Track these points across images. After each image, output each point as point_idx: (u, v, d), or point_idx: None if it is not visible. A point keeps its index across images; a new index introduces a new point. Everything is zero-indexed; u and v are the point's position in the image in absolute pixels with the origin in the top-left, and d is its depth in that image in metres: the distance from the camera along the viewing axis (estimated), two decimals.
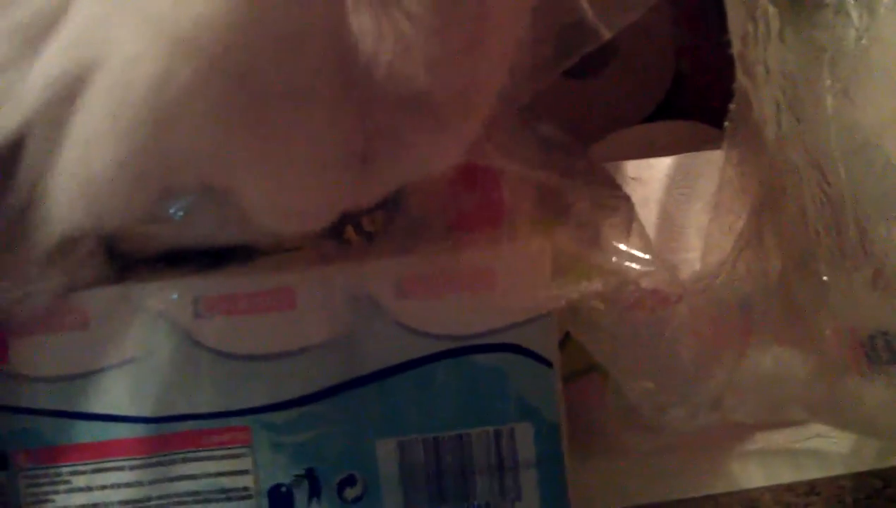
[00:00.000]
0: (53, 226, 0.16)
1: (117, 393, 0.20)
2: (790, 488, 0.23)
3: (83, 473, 0.20)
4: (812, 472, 0.23)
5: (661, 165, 0.25)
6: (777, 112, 0.19)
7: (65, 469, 0.20)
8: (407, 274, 0.20)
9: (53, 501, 0.20)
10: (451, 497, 0.21)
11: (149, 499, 0.20)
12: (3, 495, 0.20)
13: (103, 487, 0.20)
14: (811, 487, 0.23)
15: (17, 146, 0.15)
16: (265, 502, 0.20)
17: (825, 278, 0.20)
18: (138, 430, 0.20)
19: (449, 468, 0.21)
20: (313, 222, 0.19)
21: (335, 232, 0.20)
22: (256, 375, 0.20)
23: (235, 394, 0.20)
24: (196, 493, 0.20)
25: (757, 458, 0.23)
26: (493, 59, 0.17)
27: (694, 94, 0.32)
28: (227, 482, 0.20)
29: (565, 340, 0.22)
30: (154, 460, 0.20)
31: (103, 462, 0.20)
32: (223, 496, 0.20)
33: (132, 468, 0.20)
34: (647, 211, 0.24)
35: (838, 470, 0.23)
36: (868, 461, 0.23)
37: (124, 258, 0.20)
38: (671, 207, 0.25)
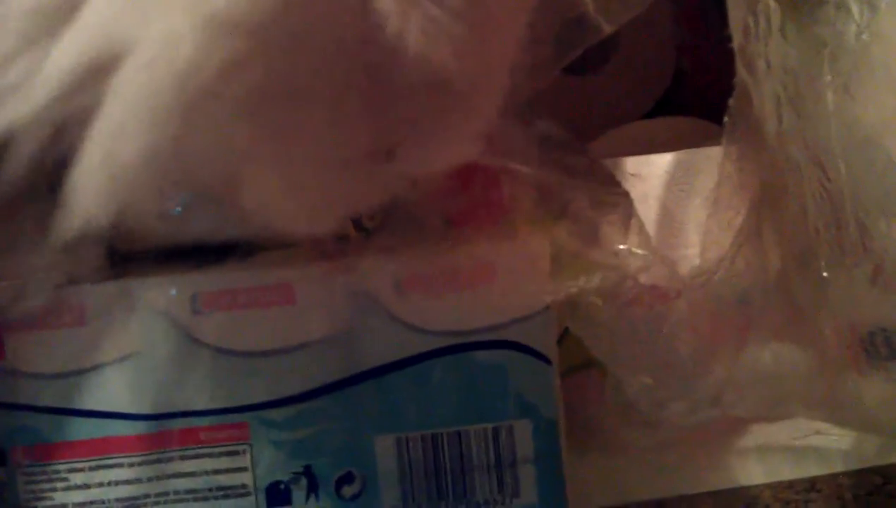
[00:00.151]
0: (75, 218, 0.15)
1: (115, 389, 0.20)
2: (790, 485, 0.23)
3: (81, 470, 0.20)
4: (812, 469, 0.23)
5: (661, 162, 0.25)
6: (777, 107, 0.19)
7: (63, 467, 0.20)
8: (406, 271, 0.20)
9: (52, 498, 0.20)
10: (449, 494, 0.21)
11: (147, 496, 0.20)
12: (2, 492, 0.20)
13: (101, 484, 0.20)
14: (811, 484, 0.23)
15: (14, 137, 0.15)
16: (263, 499, 0.20)
17: (825, 274, 0.20)
18: (136, 427, 0.20)
19: (447, 464, 0.21)
20: (327, 222, 0.18)
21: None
22: (255, 372, 0.20)
23: (234, 391, 0.20)
24: (194, 490, 0.20)
25: (756, 455, 0.23)
26: (510, 42, 0.17)
27: (694, 91, 0.31)
28: (225, 479, 0.20)
29: (563, 335, 0.22)
30: (152, 457, 0.20)
31: (101, 459, 0.20)
32: (221, 493, 0.20)
33: (130, 465, 0.20)
34: (647, 207, 0.24)
35: (838, 467, 0.23)
36: (868, 458, 0.23)
37: (122, 254, 0.20)
38: (670, 204, 0.24)
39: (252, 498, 0.20)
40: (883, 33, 0.19)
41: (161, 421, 0.20)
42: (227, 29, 0.14)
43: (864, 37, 0.20)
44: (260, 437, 0.20)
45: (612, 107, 0.31)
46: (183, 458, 0.20)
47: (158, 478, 0.20)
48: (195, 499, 0.20)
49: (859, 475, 0.23)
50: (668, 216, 0.24)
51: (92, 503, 0.20)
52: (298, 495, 0.20)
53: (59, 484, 0.20)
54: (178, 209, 0.19)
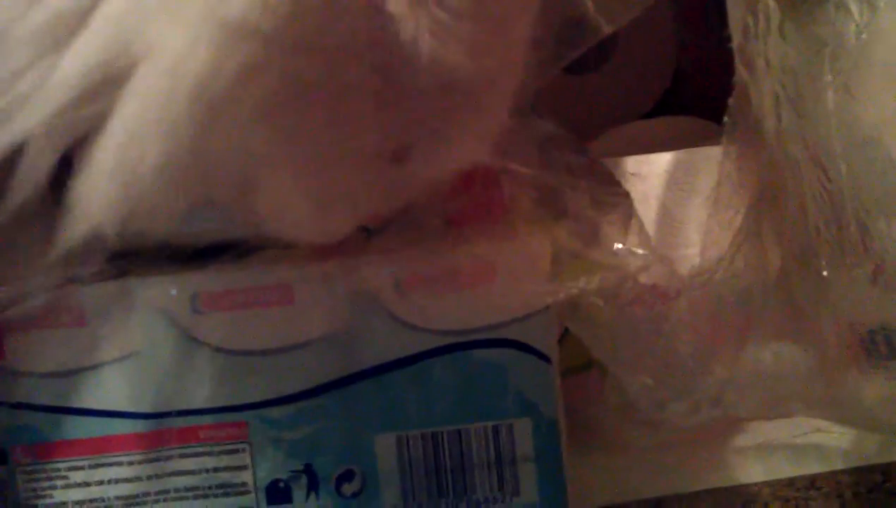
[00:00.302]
0: (81, 225, 0.15)
1: (115, 388, 0.20)
2: (790, 483, 0.23)
3: (81, 468, 0.20)
4: (812, 467, 0.23)
5: (661, 161, 0.25)
6: (777, 107, 0.19)
7: (63, 465, 0.20)
8: (406, 270, 0.20)
9: (52, 497, 0.20)
10: (449, 492, 0.21)
11: (147, 495, 0.20)
12: (2, 491, 0.20)
13: (101, 482, 0.20)
14: (811, 482, 0.23)
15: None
16: (263, 497, 0.20)
17: (825, 274, 0.20)
18: (136, 426, 0.20)
19: (448, 463, 0.21)
20: (341, 227, 0.18)
21: None
22: (255, 370, 0.20)
23: (233, 390, 0.20)
24: (194, 488, 0.20)
25: (756, 453, 0.23)
26: (519, 41, 0.17)
27: (693, 90, 0.32)
28: (225, 477, 0.20)
29: (563, 336, 0.22)
30: (152, 455, 0.20)
31: (101, 457, 0.20)
32: (221, 491, 0.20)
33: (130, 463, 0.20)
34: (647, 207, 0.24)
35: (838, 465, 0.23)
36: (868, 455, 0.23)
37: (122, 253, 0.20)
38: (670, 203, 0.25)
39: (252, 496, 0.20)
40: (882, 32, 0.19)
41: (161, 420, 0.20)
42: (243, 34, 0.14)
43: (864, 36, 0.20)
44: (260, 436, 0.20)
45: (612, 106, 0.31)
46: (183, 456, 0.20)
47: (158, 476, 0.20)
48: (195, 497, 0.20)
49: (859, 473, 0.23)
50: (668, 215, 0.24)
51: (92, 501, 0.20)
52: (299, 493, 0.20)
53: (59, 483, 0.20)
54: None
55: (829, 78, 0.20)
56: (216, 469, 0.20)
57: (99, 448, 0.20)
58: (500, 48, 0.17)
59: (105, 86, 0.15)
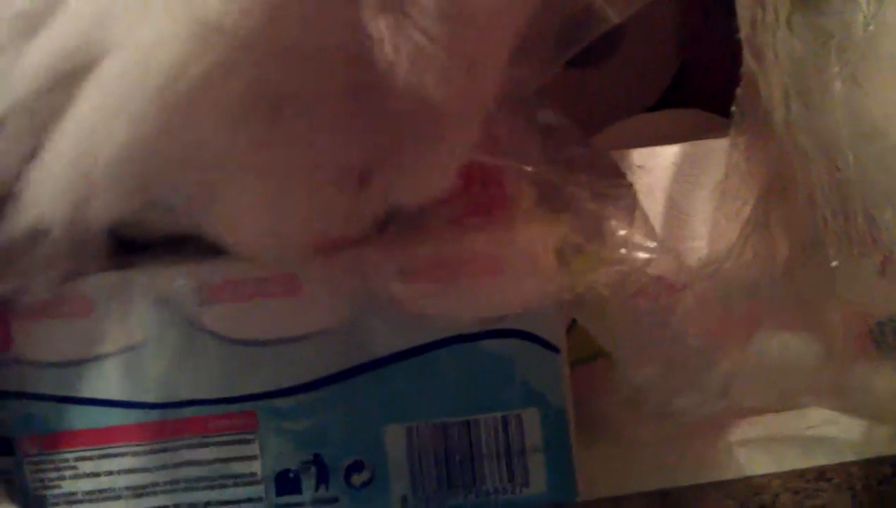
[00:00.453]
0: (28, 214, 0.15)
1: (122, 378, 0.20)
2: (799, 474, 0.23)
3: (89, 459, 0.20)
4: (821, 459, 0.23)
5: (667, 154, 0.25)
6: (785, 98, 0.19)
7: (70, 455, 0.20)
8: (412, 262, 0.20)
9: (60, 487, 0.20)
10: (458, 483, 0.21)
11: (155, 485, 0.20)
12: (10, 481, 0.20)
13: (110, 472, 0.20)
14: (820, 473, 0.23)
15: None
16: (272, 487, 0.20)
17: (833, 265, 0.20)
18: (144, 416, 0.20)
19: (456, 453, 0.21)
20: (297, 247, 0.18)
21: None
22: (262, 361, 0.20)
23: (241, 380, 0.20)
24: (203, 479, 0.20)
25: (765, 445, 0.23)
26: (492, 77, 0.17)
27: (698, 83, 0.32)
28: (234, 467, 0.20)
29: (571, 327, 0.22)
30: (160, 446, 0.20)
31: (109, 448, 0.20)
32: (230, 481, 0.20)
33: (138, 454, 0.20)
34: (652, 199, 0.24)
35: (848, 457, 0.23)
36: (878, 447, 0.23)
37: (128, 244, 0.20)
38: (677, 196, 0.25)
39: (261, 487, 0.20)
40: (890, 24, 0.19)
41: (168, 410, 0.20)
42: (215, 34, 0.14)
43: (871, 28, 0.20)
44: (268, 426, 0.20)
45: (617, 99, 0.31)
46: (191, 447, 0.20)
47: (167, 467, 0.20)
48: (204, 488, 0.20)
49: (869, 464, 0.23)
50: (675, 208, 0.24)
51: (101, 491, 0.20)
52: (308, 483, 0.20)
53: (67, 473, 0.20)
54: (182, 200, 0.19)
55: (836, 69, 0.20)
56: (225, 460, 0.20)
57: (107, 438, 0.20)
58: (472, 82, 0.17)
59: (73, 76, 0.15)
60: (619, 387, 0.22)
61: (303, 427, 0.20)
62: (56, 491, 0.20)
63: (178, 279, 0.20)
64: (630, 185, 0.21)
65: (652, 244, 0.20)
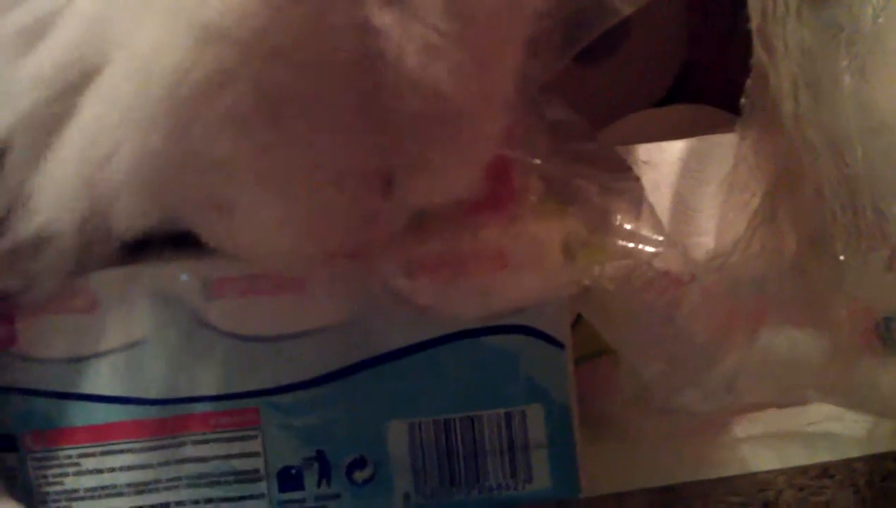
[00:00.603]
0: (36, 219, 0.15)
1: (126, 375, 0.20)
2: (804, 471, 0.23)
3: (92, 455, 0.20)
4: (825, 455, 0.23)
5: (673, 149, 0.25)
6: (794, 90, 0.19)
7: (74, 452, 0.20)
8: (417, 257, 0.20)
9: (63, 483, 0.20)
10: (461, 479, 0.21)
11: (158, 481, 0.20)
12: (13, 477, 0.20)
13: (112, 469, 0.20)
14: (824, 470, 0.23)
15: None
16: (275, 484, 0.20)
17: (841, 259, 0.19)
18: (148, 412, 0.20)
19: (460, 450, 0.21)
20: (308, 258, 0.18)
21: None
22: (266, 357, 0.20)
23: (245, 376, 0.20)
24: (206, 475, 0.20)
25: (770, 441, 0.23)
26: (508, 70, 0.17)
27: (704, 78, 0.31)
28: (236, 464, 0.20)
29: (575, 323, 0.22)
30: (163, 442, 0.20)
31: (112, 444, 0.20)
32: (233, 478, 0.20)
33: (141, 450, 0.20)
34: (659, 194, 0.24)
35: (852, 453, 0.23)
36: (882, 443, 0.23)
37: (133, 239, 0.20)
38: (683, 191, 0.24)
39: (264, 483, 0.20)
40: None
41: (172, 406, 0.20)
42: (217, 38, 0.14)
43: (881, 20, 0.20)
44: (271, 422, 0.20)
45: (623, 95, 0.30)
46: (194, 443, 0.20)
47: (169, 463, 0.20)
48: (206, 484, 0.20)
49: (873, 460, 0.23)
50: (681, 203, 0.24)
51: (103, 488, 0.20)
52: (310, 480, 0.20)
53: (71, 469, 0.20)
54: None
55: (845, 62, 0.20)
56: (228, 456, 0.20)
57: (110, 434, 0.20)
58: (487, 76, 0.16)
59: (75, 85, 0.14)
60: (624, 383, 0.22)
61: (305, 424, 0.20)
62: (59, 488, 0.20)
63: (182, 275, 0.20)
64: (637, 179, 0.21)
65: (659, 238, 0.20)
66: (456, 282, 0.20)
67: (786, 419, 0.23)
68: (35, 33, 0.15)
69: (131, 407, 0.20)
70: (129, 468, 0.20)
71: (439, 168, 0.17)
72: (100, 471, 0.20)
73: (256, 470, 0.20)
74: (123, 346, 0.20)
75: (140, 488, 0.20)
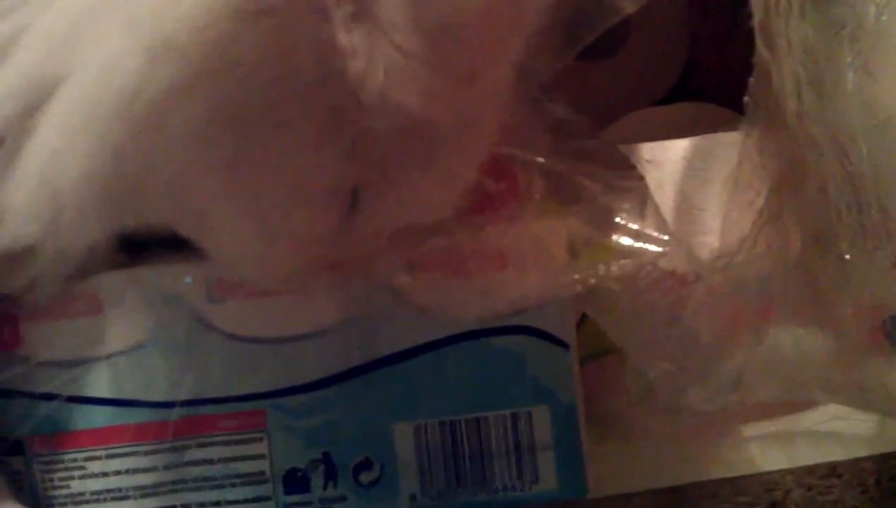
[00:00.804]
0: (3, 237, 0.15)
1: (131, 377, 0.20)
2: (811, 470, 0.23)
3: (98, 458, 0.20)
4: (833, 454, 0.23)
5: (676, 148, 0.25)
6: (797, 87, 0.19)
7: (80, 455, 0.20)
8: (421, 258, 0.20)
9: (69, 487, 0.20)
10: (468, 481, 0.21)
11: (164, 484, 0.20)
12: (20, 481, 0.20)
13: (118, 472, 0.20)
14: (832, 469, 0.23)
15: None
16: (280, 486, 0.20)
17: (847, 257, 0.19)
18: (153, 415, 0.20)
19: (466, 451, 0.20)
20: (291, 273, 0.18)
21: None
22: (271, 359, 0.20)
23: (250, 378, 0.20)
24: (211, 478, 0.20)
25: (777, 441, 0.23)
26: (492, 96, 0.17)
27: (706, 76, 0.31)
28: (242, 466, 0.20)
29: (581, 322, 0.22)
30: (169, 445, 0.20)
31: (118, 447, 0.20)
32: (238, 480, 0.20)
33: (147, 453, 0.20)
34: (662, 193, 0.24)
35: (860, 452, 0.23)
36: (890, 442, 0.23)
37: (137, 242, 0.20)
38: (687, 189, 0.24)
39: (269, 486, 0.20)
40: None
41: (177, 409, 0.20)
42: (172, 54, 0.13)
43: (884, 18, 0.20)
44: (277, 424, 0.20)
45: (625, 93, 0.30)
46: (199, 446, 0.20)
47: (175, 466, 0.20)
48: (212, 487, 0.20)
49: (882, 459, 0.23)
50: (685, 202, 0.24)
51: (109, 491, 0.20)
52: (316, 482, 0.20)
53: (77, 473, 0.20)
54: None
55: (848, 59, 0.19)
56: (233, 459, 0.20)
57: (115, 437, 0.20)
58: (464, 99, 0.16)
59: (39, 99, 0.14)
60: (630, 383, 0.22)
61: (311, 426, 0.20)
62: (65, 491, 0.20)
63: (185, 277, 0.20)
64: (641, 178, 0.21)
65: (664, 237, 0.20)
66: (459, 282, 0.20)
67: (792, 418, 0.23)
68: (1, 50, 0.15)
69: (136, 410, 0.20)
70: (135, 471, 0.20)
71: (412, 189, 0.17)
72: (105, 474, 0.20)
73: (262, 473, 0.20)
74: (128, 349, 0.20)
75: (146, 491, 0.20)
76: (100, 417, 0.20)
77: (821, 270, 0.20)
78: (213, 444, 0.20)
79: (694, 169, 0.25)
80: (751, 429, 0.23)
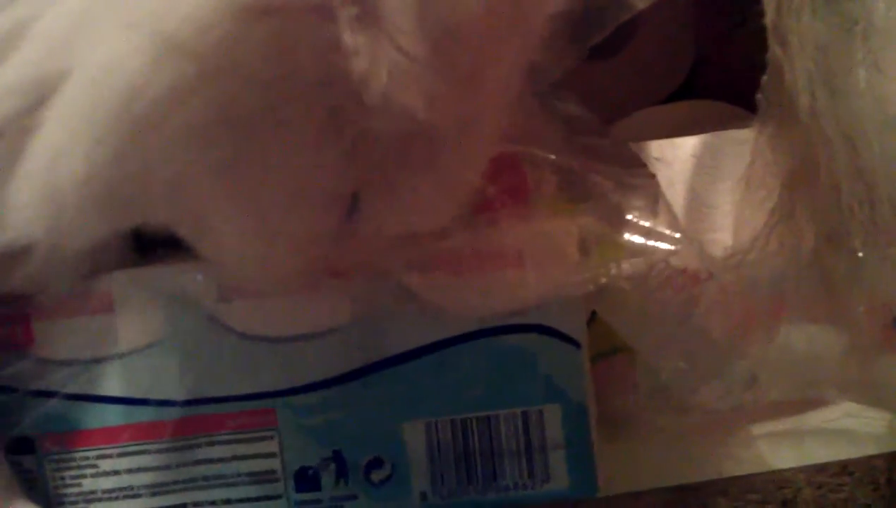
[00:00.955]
0: (6, 232, 0.15)
1: (143, 376, 0.20)
2: (823, 468, 0.23)
3: (109, 457, 0.20)
4: (845, 452, 0.23)
5: (685, 145, 0.25)
6: (810, 85, 0.19)
7: (91, 454, 0.20)
8: (431, 256, 0.20)
9: (80, 485, 0.20)
10: (479, 479, 0.21)
11: (175, 483, 0.20)
12: (31, 479, 0.20)
13: (130, 471, 0.20)
14: (844, 467, 0.23)
15: None
16: (292, 484, 0.20)
17: (859, 254, 0.19)
18: (164, 413, 0.20)
19: (476, 450, 0.20)
20: (294, 278, 0.18)
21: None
22: (282, 357, 0.20)
23: (261, 377, 0.20)
24: (222, 476, 0.20)
25: (788, 438, 0.23)
26: (494, 99, 0.17)
27: (714, 74, 0.31)
28: (253, 465, 0.20)
29: (589, 321, 0.22)
30: (180, 443, 0.20)
31: (129, 445, 0.20)
32: (249, 479, 0.20)
33: (158, 451, 0.20)
34: (672, 191, 0.24)
35: (872, 450, 0.23)
36: None
37: (149, 241, 0.20)
38: (697, 187, 0.24)
39: (280, 484, 0.20)
40: None
41: (188, 408, 0.20)
42: (174, 53, 0.13)
43: (894, 14, 0.19)
44: (288, 423, 0.20)
45: (633, 91, 0.30)
46: (211, 444, 0.20)
47: (186, 465, 0.20)
48: (223, 485, 0.20)
49: (893, 457, 0.23)
50: (695, 200, 0.24)
51: (120, 489, 0.20)
52: (327, 480, 0.20)
53: (88, 471, 0.20)
54: None
55: (859, 56, 0.19)
56: (244, 457, 0.20)
57: (127, 436, 0.20)
58: (466, 103, 0.16)
59: (40, 97, 0.14)
60: (641, 381, 0.22)
61: (322, 424, 0.20)
62: (76, 490, 0.20)
63: (197, 276, 0.20)
64: (652, 176, 0.21)
65: (676, 235, 0.20)
66: (469, 281, 0.20)
67: (804, 416, 0.23)
68: (2, 47, 0.14)
69: (148, 409, 0.20)
70: (146, 469, 0.20)
71: (412, 192, 0.17)
72: (117, 473, 0.20)
73: (273, 471, 0.20)
74: (139, 347, 0.20)
75: (157, 489, 0.20)
76: (111, 416, 0.20)
77: (833, 268, 0.20)
78: (223, 443, 0.20)
79: (703, 166, 0.24)
80: (761, 427, 0.23)
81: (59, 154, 0.14)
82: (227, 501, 0.20)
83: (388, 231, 0.18)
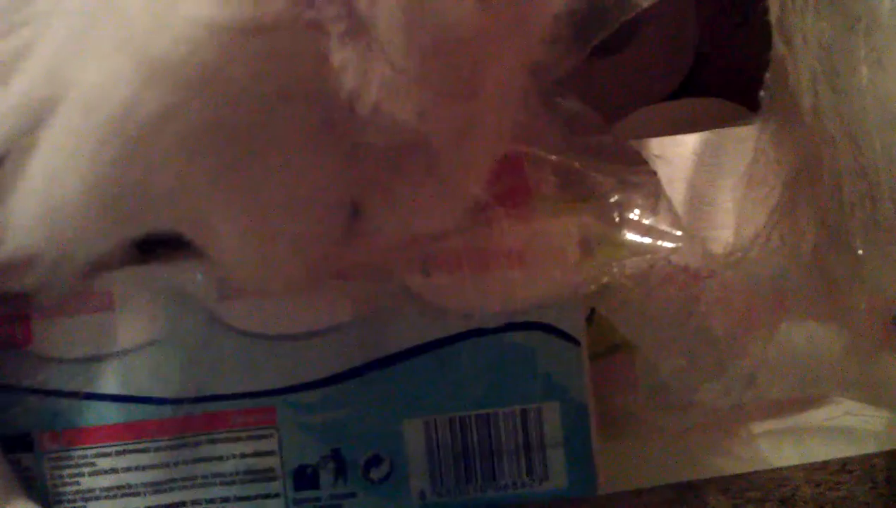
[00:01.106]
0: (8, 245, 0.15)
1: (142, 374, 0.20)
2: (822, 466, 0.23)
3: (108, 455, 0.20)
4: (844, 450, 0.23)
5: (686, 143, 0.25)
6: (813, 82, 0.19)
7: (90, 452, 0.20)
8: (433, 254, 0.20)
9: (79, 483, 0.20)
10: (477, 477, 0.21)
11: (174, 481, 0.20)
12: (30, 477, 0.20)
13: (129, 469, 0.20)
14: (843, 465, 0.23)
15: None
16: (291, 483, 0.20)
17: (860, 252, 0.19)
18: (163, 412, 0.20)
19: (475, 448, 0.20)
20: (295, 279, 0.18)
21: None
22: (282, 355, 0.20)
23: (261, 375, 0.20)
24: (221, 474, 0.20)
25: (788, 437, 0.23)
26: (493, 106, 0.17)
27: (716, 71, 0.31)
28: (252, 463, 0.20)
29: (589, 319, 0.22)
30: (179, 441, 0.20)
31: (128, 444, 0.20)
32: (249, 477, 0.20)
33: (157, 449, 0.20)
34: (673, 189, 0.24)
35: (871, 449, 0.23)
36: None
37: (149, 239, 0.20)
38: (698, 185, 0.24)
39: (280, 482, 0.20)
40: None
41: (188, 406, 0.20)
42: (164, 73, 0.14)
43: None
44: (287, 421, 0.20)
45: (634, 89, 0.30)
46: (210, 442, 0.20)
47: (185, 463, 0.20)
48: (222, 483, 0.20)
49: (892, 456, 0.23)
50: (696, 197, 0.24)
51: (119, 487, 0.20)
52: (326, 478, 0.20)
53: (87, 469, 0.20)
54: None
55: (862, 53, 0.19)
56: (243, 455, 0.20)
57: (126, 434, 0.20)
58: (461, 113, 0.16)
59: (39, 117, 0.15)
60: (641, 379, 0.22)
61: (322, 422, 0.20)
62: (75, 488, 0.20)
63: (197, 274, 0.20)
64: (654, 173, 0.21)
65: (677, 233, 0.20)
66: (473, 279, 0.20)
67: (804, 414, 0.23)
68: (4, 70, 0.15)
69: (147, 407, 0.20)
70: (145, 467, 0.20)
71: (411, 199, 0.17)
72: (115, 471, 0.20)
73: (272, 469, 0.20)
74: (139, 346, 0.20)
75: (156, 487, 0.20)
76: (110, 414, 0.20)
77: (835, 265, 0.20)
78: (223, 441, 0.20)
79: (704, 164, 0.24)
80: (761, 425, 0.23)
81: (56, 173, 0.15)
82: (226, 499, 0.20)
83: (389, 234, 0.18)
